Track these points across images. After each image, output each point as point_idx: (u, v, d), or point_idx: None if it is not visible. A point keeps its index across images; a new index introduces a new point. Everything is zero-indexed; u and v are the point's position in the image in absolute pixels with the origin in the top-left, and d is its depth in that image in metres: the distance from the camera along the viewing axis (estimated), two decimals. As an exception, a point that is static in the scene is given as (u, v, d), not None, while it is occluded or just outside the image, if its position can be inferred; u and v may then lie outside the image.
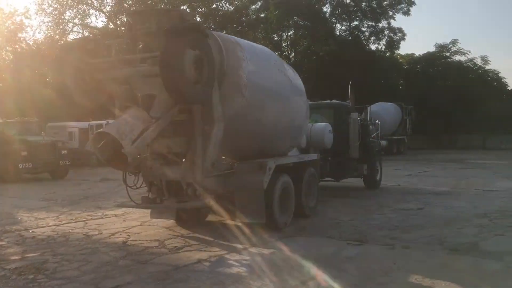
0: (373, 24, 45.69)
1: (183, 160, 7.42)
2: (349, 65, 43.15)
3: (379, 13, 44.04)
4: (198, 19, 43.37)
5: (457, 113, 37.11)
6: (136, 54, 7.18)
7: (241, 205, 7.68)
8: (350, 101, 13.55)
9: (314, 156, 10.13)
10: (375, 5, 43.75)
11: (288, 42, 49.80)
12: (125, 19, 38.91)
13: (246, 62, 7.53)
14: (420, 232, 7.68)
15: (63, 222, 9.26)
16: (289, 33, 49.08)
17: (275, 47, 49.22)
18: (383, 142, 17.23)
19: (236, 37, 8.26)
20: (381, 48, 47.20)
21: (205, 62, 6.64)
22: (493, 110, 36.61)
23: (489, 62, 40.83)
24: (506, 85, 40.58)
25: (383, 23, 45.45)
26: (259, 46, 9.54)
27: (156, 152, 7.32)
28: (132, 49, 7.41)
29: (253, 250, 6.73)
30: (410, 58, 46.25)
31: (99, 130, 7.06)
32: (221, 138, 7.22)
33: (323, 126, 11.65)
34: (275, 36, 48.54)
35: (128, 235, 7.93)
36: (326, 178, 12.36)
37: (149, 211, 8.92)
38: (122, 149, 6.35)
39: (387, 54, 47.36)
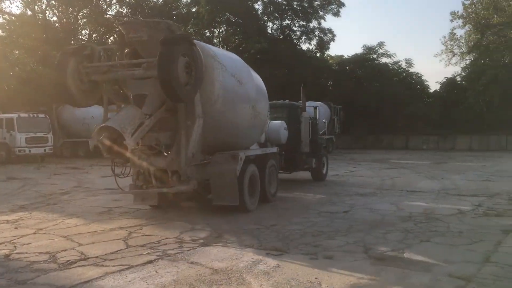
0: (304, 23, 45.98)
1: (168, 151, 8.67)
2: (280, 64, 43.13)
3: (310, 13, 44.36)
4: (125, 10, 41.55)
5: (382, 114, 38.08)
6: (123, 60, 8.59)
7: (217, 190, 9.08)
8: (302, 101, 14.48)
9: (274, 149, 11.70)
10: (306, 5, 44.03)
11: (220, 39, 48.97)
12: (44, 6, 36.97)
13: (219, 69, 8.88)
14: (345, 238, 7.18)
15: None
16: (221, 30, 48.31)
17: (206, 43, 48.20)
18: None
19: (211, 46, 9.79)
20: (312, 48, 47.67)
21: (193, 67, 8.01)
22: (416, 111, 37.94)
23: (412, 65, 42.33)
24: (428, 87, 42.23)
25: (313, 23, 45.86)
26: (232, 54, 10.86)
27: (145, 144, 8.54)
28: (120, 55, 8.74)
29: (159, 263, 5.87)
30: (340, 59, 47.00)
31: (102, 124, 7.94)
32: (201, 133, 8.56)
33: (279, 124, 12.95)
34: (206, 32, 47.52)
35: (15, 246, 6.79)
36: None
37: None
38: (124, 141, 7.53)
39: (318, 54, 47.88)
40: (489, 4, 41.94)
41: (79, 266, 5.80)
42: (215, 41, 49.03)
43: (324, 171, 15.37)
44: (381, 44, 42.78)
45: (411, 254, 6.21)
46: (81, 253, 6.40)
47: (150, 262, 5.93)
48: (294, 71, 39.25)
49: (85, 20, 39.93)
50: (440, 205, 10.15)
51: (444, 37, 48.65)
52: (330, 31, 45.57)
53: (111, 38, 42.34)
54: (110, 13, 41.76)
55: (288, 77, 38.63)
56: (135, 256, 6.18)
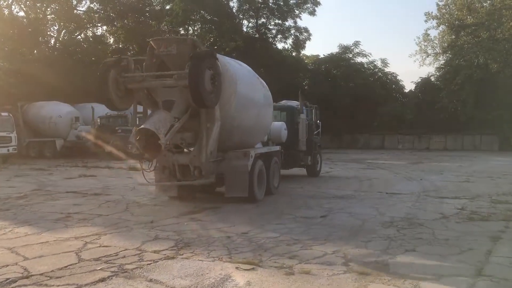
0: (280, 22, 45.55)
1: (190, 149, 10.15)
2: (256, 63, 42.49)
3: (285, 12, 43.92)
4: (96, 6, 40.20)
5: (358, 113, 37.88)
6: (150, 70, 10.00)
7: (230, 184, 10.37)
8: (299, 105, 15.86)
9: (277, 148, 13.07)
10: (281, 3, 43.57)
11: (195, 37, 48.04)
12: (10, 1, 35.42)
13: (235, 79, 10.17)
14: (323, 248, 6.54)
15: None
16: (195, 27, 47.37)
17: (181, 41, 47.25)
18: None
19: (228, 58, 11.10)
20: (288, 47, 47.23)
21: (216, 78, 9.32)
22: (391, 111, 37.87)
23: (388, 64, 42.39)
24: (403, 87, 42.27)
25: (289, 22, 45.45)
26: (245, 66, 12.06)
27: (171, 143, 9.75)
28: (148, 65, 10.06)
29: (112, 282, 5.12)
30: (315, 58, 46.70)
31: (140, 127, 9.23)
32: (218, 133, 9.76)
33: (280, 124, 14.55)
34: (181, 29, 46.52)
35: (-51, 263, 5.92)
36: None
37: None
38: (159, 140, 8.87)
39: (293, 53, 47.46)
40: (463, 5, 42.23)
41: (18, 286, 5.01)
42: (190, 39, 48.13)
43: (318, 168, 16.75)
44: (356, 44, 42.71)
45: (396, 267, 5.60)
46: (25, 269, 5.59)
47: (102, 280, 5.17)
48: (270, 71, 38.70)
49: (54, 15, 38.43)
50: (422, 209, 9.65)
51: (418, 37, 48.84)
52: (306, 30, 45.27)
53: (82, 35, 41.04)
54: (81, 9, 40.42)
55: (264, 76, 38.04)
56: (86, 273, 5.41)
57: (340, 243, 6.87)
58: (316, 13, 44.41)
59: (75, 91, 31.91)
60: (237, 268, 5.58)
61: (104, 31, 42.69)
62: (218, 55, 9.85)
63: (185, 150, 10.33)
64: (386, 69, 42.58)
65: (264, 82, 12.62)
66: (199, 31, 47.13)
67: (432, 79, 40.84)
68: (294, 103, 16.48)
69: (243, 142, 11.13)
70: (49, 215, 9.23)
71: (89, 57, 37.13)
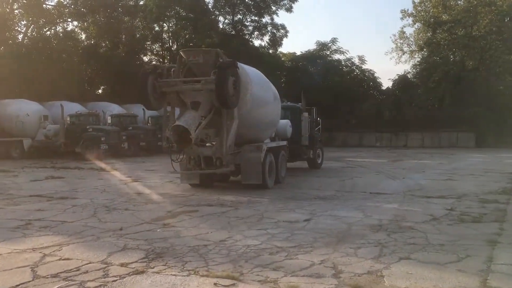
0: (257, 19, 44.86)
1: (213, 143, 11.87)
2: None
3: (262, 8, 43.31)
4: (67, 1, 38.80)
5: (336, 111, 37.54)
6: (179, 75, 11.73)
7: (245, 172, 12.15)
8: (302, 104, 17.72)
9: (284, 143, 14.95)
10: (258, -1, 42.92)
11: (170, 34, 47.01)
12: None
13: (250, 84, 11.87)
14: (310, 257, 5.95)
15: None
16: (170, 24, 46.32)
17: (155, 38, 46.19)
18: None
19: (244, 65, 12.41)
20: (265, 44, 46.64)
21: (237, 84, 11.08)
22: (369, 108, 37.66)
23: (365, 62, 42.14)
24: (381, 85, 42.15)
25: (266, 18, 44.82)
26: (258, 72, 13.77)
27: (198, 138, 11.38)
28: (178, 72, 11.79)
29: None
30: (293, 56, 46.20)
31: (175, 123, 11.07)
32: (236, 129, 11.41)
33: (285, 122, 16.10)
34: (155, 26, 45.45)
35: None
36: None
37: None
38: (190, 135, 10.66)
39: (270, 51, 46.90)
40: (438, 2, 42.34)
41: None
42: (165, 35, 47.06)
43: (319, 161, 18.61)
44: (334, 41, 42.38)
45: (393, 279, 5.04)
46: (-31, 290, 4.84)
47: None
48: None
49: (21, 10, 36.88)
50: (410, 210, 9.16)
51: (394, 35, 48.88)
52: (283, 26, 44.73)
53: (52, 31, 39.50)
54: (50, 3, 38.98)
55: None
56: (39, 293, 4.69)
57: (328, 250, 6.29)
58: (293, 9, 43.96)
59: (44, 88, 30.69)
60: (215, 284, 4.93)
61: (74, 27, 41.36)
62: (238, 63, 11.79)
63: (207, 144, 12.19)
64: (364, 66, 42.43)
65: (272, 84, 14.41)
66: (174, 27, 46.13)
67: (409, 76, 40.83)
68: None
69: (256, 137, 12.81)
70: (7, 223, 8.40)
71: (59, 54, 35.83)
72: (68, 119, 24.81)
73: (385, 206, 9.68)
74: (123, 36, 41.94)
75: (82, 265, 5.68)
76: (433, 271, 5.31)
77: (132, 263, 5.79)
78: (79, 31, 41.32)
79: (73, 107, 26.83)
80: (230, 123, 11.43)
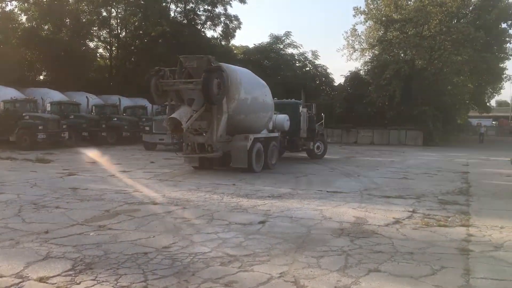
0: (209, 8, 43.74)
1: (206, 132, 13.94)
2: (184, 50, 40.37)
3: (215, -3, 42.16)
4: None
5: (288, 106, 37.08)
6: (181, 79, 13.93)
7: (235, 158, 14.23)
8: (302, 100, 19.36)
9: (275, 134, 16.89)
10: (211, -13, 41.76)
11: (118, 20, 44.96)
12: None
13: (240, 81, 14.16)
14: (267, 268, 5.18)
15: None
16: (118, 10, 44.27)
17: (103, 23, 43.97)
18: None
19: (235, 67, 15.43)
20: (217, 36, 45.57)
21: (221, 84, 13.21)
22: (321, 104, 37.41)
23: (318, 57, 41.96)
24: (333, 80, 42.10)
25: (219, 9, 43.78)
26: (249, 72, 16.18)
27: (192, 128, 13.82)
28: (179, 74, 14.02)
29: None
30: (245, 49, 45.34)
31: (170, 116, 13.61)
32: (226, 122, 13.77)
33: (283, 116, 18.23)
34: (103, 10, 43.28)
35: None
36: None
37: None
38: (181, 126, 13.04)
39: (223, 42, 45.88)
40: (390, 1, 42.71)
41: None
42: (113, 22, 44.95)
43: (319, 153, 20.33)
44: (287, 34, 41.93)
45: (365, 298, 4.34)
46: None
47: None
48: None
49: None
50: (371, 211, 8.56)
51: (346, 32, 49.14)
52: (236, 18, 43.89)
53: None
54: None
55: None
56: None
57: (287, 260, 5.53)
58: (246, 1, 43.15)
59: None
60: (153, 307, 4.05)
61: (14, 7, 38.54)
62: (227, 65, 14.37)
63: (203, 134, 14.05)
64: (317, 62, 42.24)
65: (263, 82, 16.43)
66: (122, 13, 44.15)
67: (362, 73, 40.98)
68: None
69: (249, 129, 14.69)
70: None
71: (-3, 35, 33.29)
72: (2, 105, 22.83)
73: (343, 206, 9.04)
74: (67, 20, 39.61)
75: (-10, 281, 4.63)
76: (408, 287, 4.65)
77: (53, 277, 4.80)
78: (19, 12, 38.59)
79: (8, 93, 24.74)
80: (219, 117, 13.61)
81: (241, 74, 14.83)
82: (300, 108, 19.00)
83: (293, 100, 20.74)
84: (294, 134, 18.73)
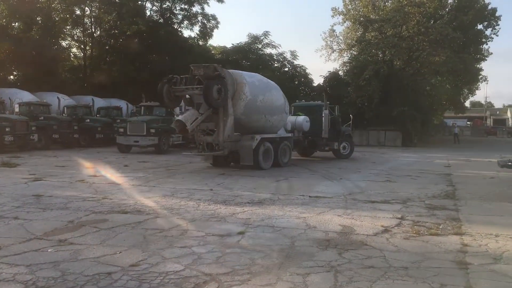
0: (186, 7, 42.98)
1: (213, 133, 15.40)
2: (160, 50, 39.50)
3: (192, -5, 41.40)
4: None
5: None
6: (193, 85, 15.21)
7: (242, 156, 15.75)
8: (324, 102, 20.46)
9: (288, 135, 18.26)
10: (188, -14, 40.98)
11: (92, 18, 43.77)
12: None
13: (247, 85, 15.61)
14: (247, 290, 4.57)
15: None
16: (93, 8, 43.09)
17: (76, 22, 42.71)
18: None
19: (243, 72, 16.89)
20: (195, 35, 44.80)
21: (222, 90, 14.66)
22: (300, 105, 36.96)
23: (297, 57, 41.51)
24: (312, 81, 41.75)
25: (196, 8, 43.07)
26: (261, 76, 17.60)
27: (201, 129, 15.56)
28: (191, 81, 15.44)
29: None
30: (223, 49, 44.64)
31: (177, 118, 15.50)
32: (232, 124, 15.27)
33: (303, 118, 19.58)
34: (76, 8, 42.04)
35: None
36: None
37: None
38: (186, 127, 14.46)
39: (200, 42, 45.13)
40: (368, 2, 42.62)
41: None
42: (87, 20, 43.75)
43: (345, 153, 21.42)
44: (266, 34, 41.43)
45: (361, 328, 3.77)
46: None
47: None
48: (175, 60, 36.13)
49: None
50: (357, 219, 8.02)
51: (325, 33, 48.90)
52: (214, 17, 43.30)
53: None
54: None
55: (169, 64, 35.28)
56: None
57: (270, 278, 4.93)
58: (224, 0, 42.48)
59: None
60: None
61: (-19, 4, 37.01)
62: (234, 71, 16.14)
63: (212, 134, 15.33)
64: (296, 62, 41.81)
65: (275, 85, 17.55)
66: (96, 11, 42.99)
67: (341, 74, 40.71)
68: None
69: (261, 129, 16.21)
70: None
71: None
72: (-33, 105, 21.70)
73: (328, 213, 8.49)
74: (39, 18, 38.28)
75: None
76: (409, 312, 4.11)
77: (-2, 306, 4.09)
78: (-14, 9, 37.09)
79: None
80: (225, 119, 14.96)
81: (249, 78, 16.02)
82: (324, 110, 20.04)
83: (318, 102, 22.30)
84: (315, 135, 19.89)
